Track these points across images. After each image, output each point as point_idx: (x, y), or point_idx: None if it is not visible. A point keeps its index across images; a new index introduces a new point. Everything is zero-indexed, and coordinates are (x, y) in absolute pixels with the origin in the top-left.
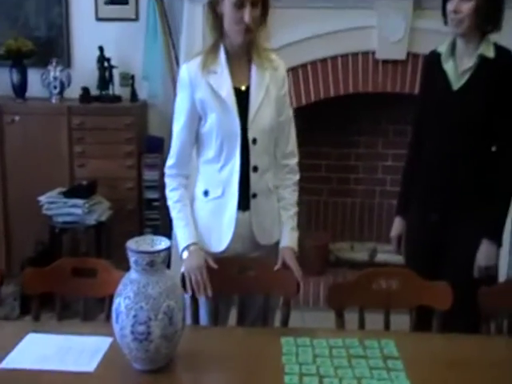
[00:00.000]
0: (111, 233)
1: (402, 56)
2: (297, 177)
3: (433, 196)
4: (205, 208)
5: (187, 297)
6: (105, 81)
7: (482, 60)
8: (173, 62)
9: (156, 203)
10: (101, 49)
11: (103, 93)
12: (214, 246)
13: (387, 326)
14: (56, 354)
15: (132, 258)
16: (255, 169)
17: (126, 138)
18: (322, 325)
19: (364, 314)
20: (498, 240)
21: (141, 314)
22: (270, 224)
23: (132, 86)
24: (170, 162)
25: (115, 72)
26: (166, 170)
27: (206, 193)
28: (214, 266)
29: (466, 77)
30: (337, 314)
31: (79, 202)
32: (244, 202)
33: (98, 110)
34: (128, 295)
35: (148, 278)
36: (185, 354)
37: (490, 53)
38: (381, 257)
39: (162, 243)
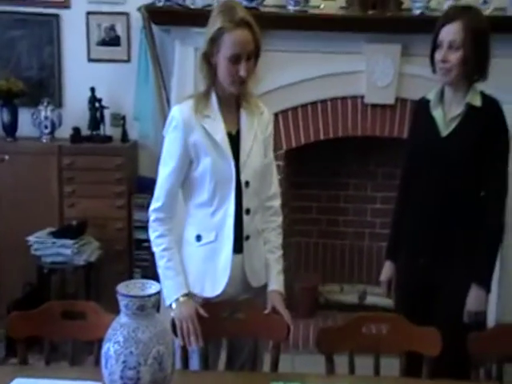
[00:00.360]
0: (100, 273)
1: (390, 101)
2: (280, 219)
3: (422, 240)
4: (198, 253)
5: (177, 340)
6: (96, 121)
7: (470, 108)
8: (164, 104)
9: (146, 244)
10: (92, 89)
11: (94, 133)
12: (208, 291)
13: (377, 370)
14: None
15: (122, 302)
16: (248, 211)
17: (116, 179)
18: (312, 369)
19: (354, 359)
20: (486, 286)
21: (130, 359)
22: (260, 266)
23: (123, 126)
24: (156, 204)
25: (106, 112)
26: (152, 214)
27: (198, 237)
28: (205, 314)
29: (454, 124)
30: (327, 358)
31: (68, 242)
32: (237, 245)
33: (88, 150)
34: (117, 340)
35: (138, 323)
36: None
37: (477, 101)
38: (370, 299)
39: (153, 287)
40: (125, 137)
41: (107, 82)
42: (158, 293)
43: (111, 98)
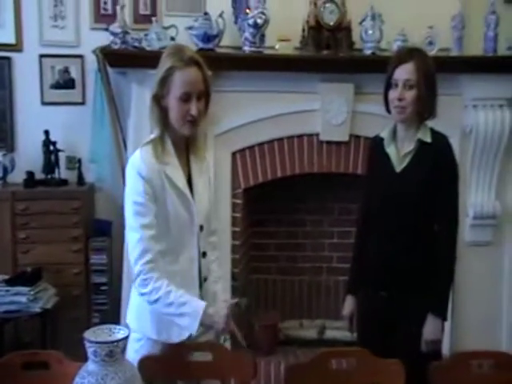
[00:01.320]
0: (57, 320)
1: (344, 138)
2: (217, 252)
3: (381, 274)
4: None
5: None
6: (50, 164)
7: (421, 144)
8: (120, 146)
9: (104, 287)
10: (46, 132)
11: (49, 177)
12: (174, 337)
13: None
14: None
15: (90, 349)
16: (204, 254)
17: (72, 222)
18: None
19: None
20: (442, 315)
21: None
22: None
23: (79, 169)
24: (148, 257)
25: (61, 155)
26: (147, 265)
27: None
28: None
29: (407, 160)
30: None
31: (23, 289)
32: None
33: (43, 194)
34: None
35: (107, 369)
36: None
37: (428, 137)
38: (330, 333)
39: (121, 332)
40: (81, 180)
41: (62, 124)
42: (127, 337)
43: (66, 141)
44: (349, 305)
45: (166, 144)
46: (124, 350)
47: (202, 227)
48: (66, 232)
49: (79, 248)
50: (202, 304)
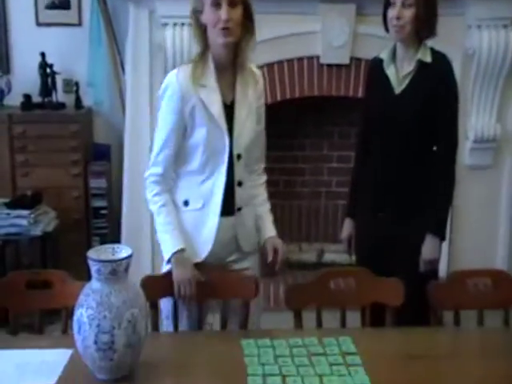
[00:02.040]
0: (58, 243)
1: (345, 60)
2: (265, 177)
3: (380, 196)
4: (184, 217)
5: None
6: (47, 87)
7: (421, 64)
8: (118, 68)
9: (104, 211)
10: (42, 55)
11: (46, 100)
12: (192, 256)
13: (343, 323)
14: (14, 371)
15: (94, 268)
16: (240, 183)
17: (71, 146)
18: (279, 326)
19: (321, 314)
20: (441, 234)
21: (104, 323)
22: (253, 231)
23: (76, 92)
24: (155, 170)
25: (58, 78)
26: (150, 177)
27: (186, 203)
28: (202, 278)
29: (407, 81)
30: (295, 314)
31: (24, 212)
32: (227, 212)
33: (40, 118)
34: (90, 305)
35: (111, 287)
36: (147, 362)
37: (428, 57)
38: (328, 257)
39: (123, 251)
40: (78, 103)
41: (58, 46)
42: (130, 256)
43: (63, 64)
44: (347, 228)
45: (206, 65)
46: (127, 269)
47: (239, 156)
48: (65, 156)
49: (78, 172)
50: (176, 247)
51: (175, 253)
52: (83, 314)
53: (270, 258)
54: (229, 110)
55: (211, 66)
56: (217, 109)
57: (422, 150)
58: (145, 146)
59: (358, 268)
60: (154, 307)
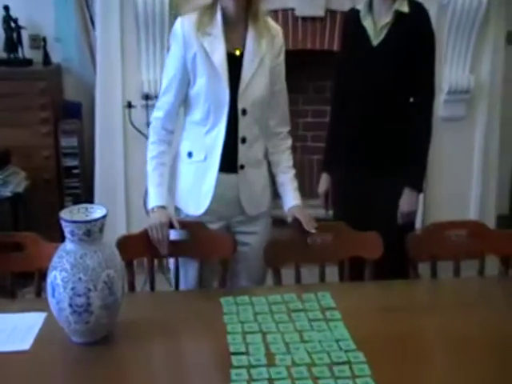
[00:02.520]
0: (29, 204)
1: (320, 13)
2: (290, 141)
3: (356, 150)
4: (188, 169)
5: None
6: (13, 43)
7: (398, 15)
8: (88, 23)
9: (76, 171)
10: (6, 8)
11: (12, 56)
12: (191, 209)
13: (322, 279)
14: None
15: (67, 229)
16: (243, 140)
17: (40, 104)
18: None
19: (300, 270)
20: (418, 187)
21: (79, 285)
22: (259, 194)
23: (44, 48)
24: (157, 113)
25: (24, 33)
26: (152, 120)
27: (189, 154)
28: (177, 226)
29: (385, 32)
30: (274, 271)
31: None
32: (229, 169)
33: (6, 75)
34: (64, 267)
35: (85, 248)
36: (124, 323)
37: (405, 8)
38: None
39: (98, 211)
40: (47, 60)
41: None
42: (105, 216)
43: (28, 18)
44: (324, 183)
45: (215, 14)
46: (102, 229)
47: (244, 111)
48: (34, 114)
49: (48, 131)
50: (157, 203)
51: (154, 207)
52: (57, 276)
53: (305, 227)
54: (237, 61)
55: (219, 15)
56: (218, 58)
57: (399, 102)
58: (117, 103)
59: (336, 222)
60: (130, 266)
